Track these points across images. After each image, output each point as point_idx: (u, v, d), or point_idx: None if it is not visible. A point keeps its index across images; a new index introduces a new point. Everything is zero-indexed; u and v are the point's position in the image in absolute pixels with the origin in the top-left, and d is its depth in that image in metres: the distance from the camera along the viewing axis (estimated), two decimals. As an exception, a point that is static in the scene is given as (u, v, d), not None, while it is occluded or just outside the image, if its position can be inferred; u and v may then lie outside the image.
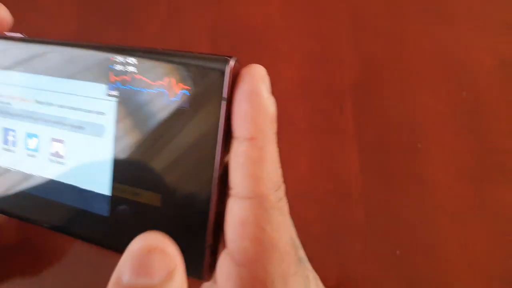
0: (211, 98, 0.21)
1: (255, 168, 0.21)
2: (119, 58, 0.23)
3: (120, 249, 0.22)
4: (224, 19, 0.52)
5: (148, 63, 0.22)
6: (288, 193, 0.45)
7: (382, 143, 0.47)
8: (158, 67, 0.22)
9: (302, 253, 0.24)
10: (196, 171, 0.21)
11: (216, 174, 0.21)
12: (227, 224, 0.21)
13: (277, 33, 0.52)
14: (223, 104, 0.21)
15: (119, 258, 0.19)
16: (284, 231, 0.21)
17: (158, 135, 0.22)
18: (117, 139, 0.23)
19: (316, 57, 0.50)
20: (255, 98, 0.21)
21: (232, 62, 0.21)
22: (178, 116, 0.22)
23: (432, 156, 0.46)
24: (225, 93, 0.21)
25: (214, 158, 0.21)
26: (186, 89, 0.22)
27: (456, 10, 0.52)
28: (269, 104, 0.21)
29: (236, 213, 0.21)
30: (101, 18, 0.52)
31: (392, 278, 0.42)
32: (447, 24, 0.51)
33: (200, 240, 0.22)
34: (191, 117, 0.22)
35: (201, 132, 0.22)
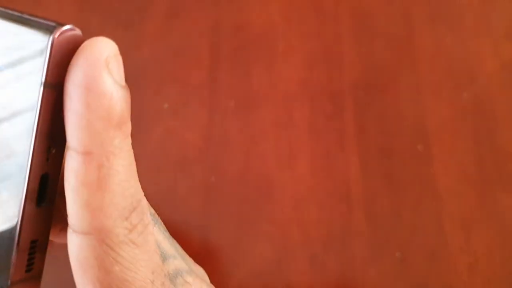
0: (29, 81, 0.15)
1: (92, 195, 0.15)
2: None
3: None
4: (224, 20, 0.52)
5: None
6: (288, 195, 0.45)
7: (383, 144, 0.46)
8: None
9: (178, 265, 0.20)
10: (6, 181, 0.16)
11: (24, 192, 0.16)
12: (70, 261, 0.17)
13: (277, 34, 0.51)
14: (41, 92, 0.15)
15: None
16: (140, 267, 0.17)
17: None
18: None
19: (316, 58, 0.50)
20: (91, 94, 0.15)
21: (60, 32, 0.15)
22: None
23: (434, 158, 0.46)
24: (44, 76, 0.15)
25: (25, 168, 0.16)
26: (4, 57, 0.16)
27: (460, 14, 0.51)
28: (114, 102, 0.15)
29: (74, 253, 0.16)
30: (101, 17, 0.52)
31: (394, 282, 0.42)
32: (450, 27, 0.51)
33: (2, 278, 0.17)
34: (5, 106, 0.16)
35: (14, 131, 0.16)
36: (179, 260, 0.20)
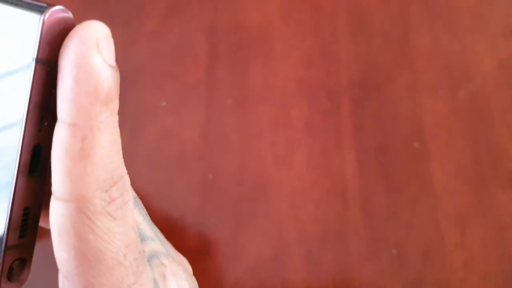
0: (21, 58, 0.16)
1: (74, 165, 0.16)
2: None
3: None
4: (222, 18, 0.52)
5: None
6: (284, 192, 0.45)
7: (379, 142, 0.47)
8: None
9: (155, 247, 0.21)
10: (1, 152, 0.17)
11: (17, 162, 0.17)
12: (50, 227, 0.18)
13: (275, 33, 0.52)
14: (33, 67, 0.16)
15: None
16: (115, 239, 0.17)
17: None
18: None
19: (314, 57, 0.50)
20: (80, 70, 0.16)
21: (52, 11, 0.16)
22: None
23: (430, 155, 0.46)
24: (36, 53, 0.16)
25: (18, 140, 0.17)
26: None
27: (458, 14, 0.52)
28: (102, 79, 0.16)
29: (53, 219, 0.17)
30: (99, 15, 0.52)
31: (390, 279, 0.42)
32: (447, 26, 0.51)
33: None
34: None
35: (9, 104, 0.17)
36: (157, 243, 0.21)
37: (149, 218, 0.22)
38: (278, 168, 0.46)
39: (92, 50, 0.16)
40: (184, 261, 0.23)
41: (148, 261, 0.20)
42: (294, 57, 0.50)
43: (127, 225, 0.18)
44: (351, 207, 0.44)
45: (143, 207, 0.22)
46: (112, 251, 0.17)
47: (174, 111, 0.48)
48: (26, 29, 0.16)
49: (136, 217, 0.20)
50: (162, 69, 0.50)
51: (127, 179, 0.18)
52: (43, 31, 0.16)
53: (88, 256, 0.17)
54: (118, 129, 0.17)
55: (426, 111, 0.48)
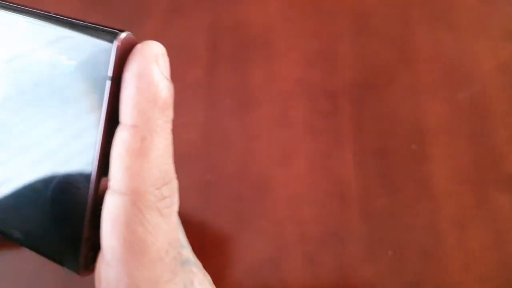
0: (97, 76, 0.19)
1: (133, 161, 0.19)
2: (5, 16, 0.20)
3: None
4: (223, 18, 0.52)
5: (34, 28, 0.20)
6: (284, 193, 0.45)
7: (379, 144, 0.47)
8: (44, 34, 0.20)
9: (188, 254, 0.22)
10: (76, 158, 0.20)
11: (96, 163, 0.19)
12: (102, 218, 0.19)
13: (276, 33, 0.52)
14: (108, 84, 0.19)
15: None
16: (160, 235, 0.19)
17: (37, 111, 0.20)
18: None
19: (314, 58, 0.50)
20: (142, 80, 0.18)
21: (123, 37, 0.19)
22: (60, 92, 0.20)
23: (429, 158, 0.46)
24: (110, 72, 0.19)
25: (95, 145, 0.19)
26: (72, 63, 0.19)
27: (460, 16, 0.52)
28: (160, 88, 0.19)
29: (108, 209, 0.19)
30: (100, 15, 0.52)
31: (389, 280, 0.42)
32: (448, 28, 0.51)
33: (77, 232, 0.20)
34: (74, 96, 0.20)
35: (84, 115, 0.19)
36: (189, 251, 0.23)
37: (183, 227, 0.24)
38: (278, 169, 0.46)
39: (152, 64, 0.19)
40: (203, 268, 0.25)
41: (181, 265, 0.21)
42: (295, 57, 0.50)
43: (172, 224, 0.20)
44: (350, 208, 0.44)
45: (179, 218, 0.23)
46: (157, 245, 0.19)
47: (174, 111, 0.48)
48: (101, 53, 0.19)
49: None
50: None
51: (176, 183, 0.20)
52: (117, 54, 0.19)
53: (135, 247, 0.19)
54: (171, 136, 0.20)
55: (426, 113, 0.48)
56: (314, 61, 0.50)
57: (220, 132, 0.47)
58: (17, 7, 0.21)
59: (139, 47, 0.19)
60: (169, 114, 0.20)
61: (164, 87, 0.19)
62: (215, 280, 0.43)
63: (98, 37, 0.19)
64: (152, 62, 0.19)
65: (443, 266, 0.42)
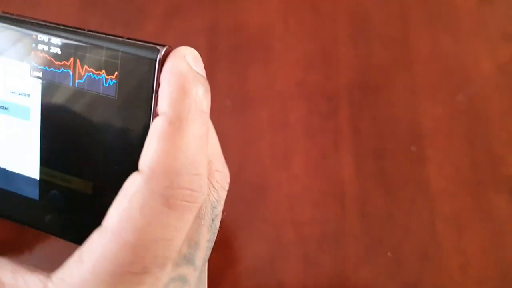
0: (142, 90, 0.20)
1: (157, 142, 0.19)
2: (43, 37, 0.21)
3: (52, 232, 0.23)
4: (222, 20, 0.52)
5: (73, 46, 0.21)
6: (282, 194, 0.45)
7: (377, 145, 0.47)
8: (83, 50, 0.21)
9: (188, 274, 0.22)
10: (127, 160, 0.20)
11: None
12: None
13: (274, 34, 0.52)
14: (155, 97, 0.20)
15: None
16: (159, 227, 0.19)
17: (87, 123, 0.21)
18: (43, 122, 0.22)
19: (313, 59, 0.51)
20: (172, 73, 0.19)
21: (163, 51, 0.20)
22: (106, 104, 0.21)
23: (428, 159, 0.46)
24: (156, 86, 0.20)
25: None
26: (115, 78, 0.20)
27: (458, 18, 0.52)
28: (189, 79, 0.19)
29: (124, 184, 0.19)
30: (100, 16, 0.52)
31: (387, 282, 0.42)
32: (446, 29, 0.51)
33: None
34: (120, 107, 0.20)
35: (132, 122, 0.20)
36: (195, 274, 0.22)
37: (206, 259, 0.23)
38: (276, 170, 0.46)
39: (180, 59, 0.20)
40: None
41: (170, 281, 0.21)
42: (294, 59, 0.51)
43: (183, 222, 0.19)
44: (348, 210, 0.44)
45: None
46: (162, 238, 0.19)
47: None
48: (144, 68, 0.20)
49: (201, 243, 0.21)
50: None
51: (203, 182, 0.20)
52: (159, 68, 0.20)
53: (127, 229, 0.18)
54: (206, 129, 0.20)
55: (425, 114, 0.48)
56: (313, 62, 0.50)
57: (218, 132, 0.47)
58: (43, 24, 0.21)
59: (173, 51, 0.20)
60: (202, 105, 0.20)
61: (194, 79, 0.20)
62: (213, 281, 0.43)
63: (140, 53, 0.20)
64: (180, 58, 0.20)
65: (441, 267, 0.42)
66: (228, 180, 0.25)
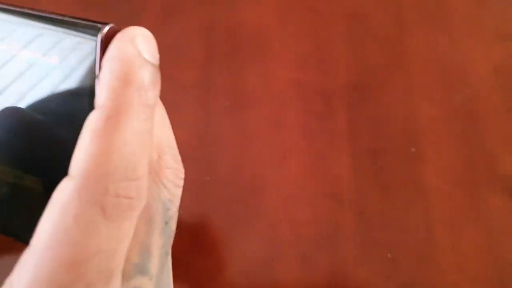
0: (84, 77, 0.18)
1: (91, 141, 0.16)
2: None
3: (6, 233, 0.20)
4: (219, 19, 0.52)
5: (15, 26, 0.18)
6: (280, 194, 0.45)
7: (374, 145, 0.47)
8: (22, 32, 0.18)
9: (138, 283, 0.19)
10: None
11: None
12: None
13: (271, 34, 0.52)
14: (97, 82, 0.17)
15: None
16: (91, 238, 0.16)
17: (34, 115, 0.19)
18: None
19: (310, 59, 0.51)
20: (114, 60, 0.17)
21: (105, 31, 0.17)
22: (49, 92, 0.18)
23: (425, 160, 0.46)
24: (97, 70, 0.17)
25: None
26: (56, 63, 0.18)
27: (454, 18, 0.52)
28: (133, 66, 0.17)
29: (56, 191, 0.16)
30: (96, 15, 0.52)
31: (383, 281, 0.42)
32: (443, 30, 0.51)
33: None
34: (63, 96, 0.18)
35: (78, 114, 0.18)
36: (146, 279, 0.19)
37: (170, 269, 0.21)
38: (273, 170, 0.46)
39: (126, 43, 0.17)
40: None
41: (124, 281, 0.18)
42: (291, 59, 0.51)
43: (119, 231, 0.17)
44: (345, 210, 0.44)
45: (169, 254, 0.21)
46: (103, 250, 0.16)
47: (170, 112, 0.48)
48: (85, 50, 0.17)
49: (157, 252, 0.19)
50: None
51: (143, 187, 0.17)
52: (102, 49, 0.17)
53: (56, 238, 0.16)
54: (149, 125, 0.17)
55: (421, 115, 0.48)
56: (309, 62, 0.50)
57: (214, 133, 0.47)
58: None
59: (120, 32, 0.17)
60: (148, 98, 0.17)
61: (140, 66, 0.17)
62: (210, 281, 0.43)
63: (79, 33, 0.18)
64: (126, 40, 0.17)
65: (437, 267, 0.42)
66: (182, 176, 0.21)
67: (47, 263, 0.16)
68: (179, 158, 0.21)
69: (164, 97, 0.53)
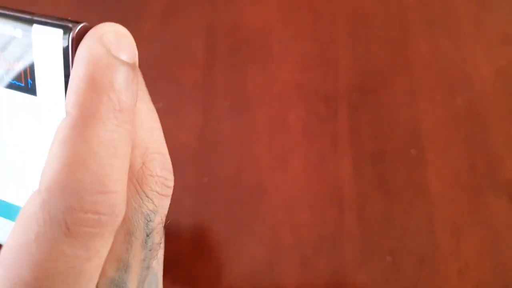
0: (55, 81, 0.16)
1: (55, 152, 0.15)
2: None
3: None
4: (220, 20, 0.52)
5: None
6: (280, 197, 0.45)
7: (376, 148, 0.47)
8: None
9: None
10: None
11: None
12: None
13: (273, 35, 0.52)
14: (64, 82, 0.16)
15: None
16: (65, 256, 0.15)
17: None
18: None
19: (312, 60, 0.50)
20: (81, 61, 0.15)
21: (77, 30, 0.16)
22: (21, 100, 0.17)
23: (426, 162, 0.46)
24: (68, 70, 0.16)
25: None
26: (26, 66, 0.17)
27: (457, 21, 0.52)
28: (101, 68, 0.15)
29: (23, 216, 0.15)
30: (96, 16, 0.52)
31: (383, 284, 0.42)
32: (446, 32, 0.51)
33: None
34: (37, 103, 0.17)
35: (52, 123, 0.16)
36: None
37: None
38: (274, 172, 0.46)
39: (93, 42, 0.15)
40: None
41: None
42: (292, 60, 0.50)
43: (87, 252, 0.15)
44: (346, 213, 0.44)
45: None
46: (67, 272, 0.15)
47: (171, 113, 0.48)
48: (56, 52, 0.16)
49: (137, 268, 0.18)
50: (159, 71, 0.50)
51: (117, 201, 0.15)
52: (72, 48, 0.16)
53: (18, 259, 0.15)
54: (123, 131, 0.16)
55: (424, 117, 0.48)
56: (312, 64, 0.50)
57: (216, 134, 0.47)
58: None
59: (90, 30, 0.16)
60: (120, 100, 0.15)
61: (108, 66, 0.15)
62: (210, 284, 0.42)
63: (49, 33, 0.16)
64: (94, 39, 0.15)
65: (439, 271, 0.42)
66: (170, 184, 0.19)
67: (6, 283, 0.15)
68: (169, 165, 0.19)
69: (164, 97, 0.53)
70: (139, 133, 0.17)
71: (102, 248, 0.16)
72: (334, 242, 0.43)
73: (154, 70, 0.50)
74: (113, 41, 0.16)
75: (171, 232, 0.44)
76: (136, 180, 0.17)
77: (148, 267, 0.18)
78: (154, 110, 0.19)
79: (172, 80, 0.49)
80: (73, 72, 0.15)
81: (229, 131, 0.47)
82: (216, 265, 0.42)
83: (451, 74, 0.49)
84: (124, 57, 0.16)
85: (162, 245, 0.20)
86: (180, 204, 0.44)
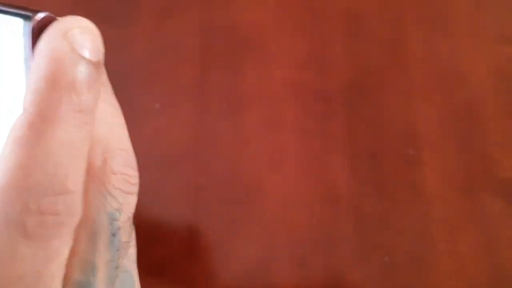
0: (14, 75, 0.16)
1: (10, 152, 0.14)
2: None
3: None
4: (217, 20, 0.52)
5: None
6: (277, 197, 0.45)
7: (373, 148, 0.47)
8: None
9: None
10: None
11: None
12: None
13: (269, 34, 0.51)
14: (26, 74, 0.16)
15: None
16: (41, 270, 0.15)
17: None
18: None
19: (308, 60, 0.50)
20: (42, 56, 0.15)
21: (36, 20, 0.15)
22: None
23: (423, 162, 0.46)
24: (28, 64, 0.15)
25: None
26: None
27: (454, 20, 0.52)
28: (64, 66, 0.15)
29: None
30: (92, 15, 0.52)
31: (379, 284, 0.42)
32: (443, 32, 0.51)
33: None
34: None
35: (3, 112, 0.16)
36: None
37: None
38: (269, 172, 0.46)
39: (57, 37, 0.15)
40: None
41: None
42: (289, 60, 0.50)
43: (44, 252, 0.15)
44: (343, 213, 0.44)
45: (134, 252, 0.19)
46: (25, 275, 0.15)
47: (167, 113, 0.48)
48: (15, 42, 0.15)
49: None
50: (155, 71, 0.50)
51: (74, 202, 0.15)
52: (33, 41, 0.15)
53: None
54: (82, 132, 0.15)
55: (420, 117, 0.48)
56: (307, 63, 0.50)
57: (211, 134, 0.47)
58: None
59: (51, 24, 0.15)
60: (80, 100, 0.15)
61: (71, 65, 0.15)
62: (206, 283, 0.42)
63: (7, 23, 0.15)
64: (57, 35, 0.15)
65: (434, 271, 0.42)
66: (135, 181, 0.19)
67: None
68: (132, 161, 0.19)
69: (162, 97, 0.53)
70: (99, 130, 0.17)
71: (61, 247, 0.15)
72: (330, 242, 0.43)
73: (150, 70, 0.50)
74: (78, 38, 0.15)
75: (166, 232, 0.43)
76: (98, 178, 0.17)
77: (117, 267, 0.18)
78: (116, 105, 0.18)
79: (168, 80, 0.49)
80: (33, 66, 0.15)
81: (225, 130, 0.47)
82: (212, 264, 0.42)
83: (447, 73, 0.49)
84: (88, 55, 0.15)
85: (133, 243, 0.19)
86: (176, 204, 0.44)
